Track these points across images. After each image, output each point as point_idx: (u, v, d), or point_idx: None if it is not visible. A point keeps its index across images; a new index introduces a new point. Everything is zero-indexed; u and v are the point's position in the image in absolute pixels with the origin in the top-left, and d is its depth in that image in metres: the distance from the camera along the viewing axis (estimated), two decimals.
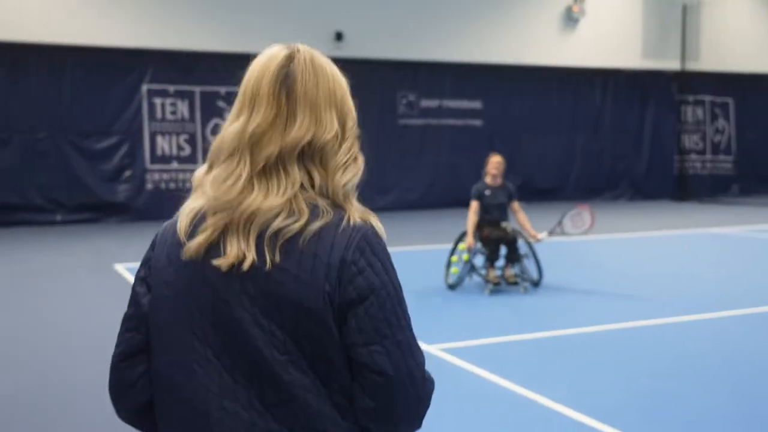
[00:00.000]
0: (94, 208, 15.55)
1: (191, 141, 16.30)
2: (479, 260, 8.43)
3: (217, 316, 1.38)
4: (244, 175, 1.38)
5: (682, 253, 11.24)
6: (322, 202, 1.40)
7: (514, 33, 18.74)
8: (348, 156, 1.45)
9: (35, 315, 7.35)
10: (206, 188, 1.41)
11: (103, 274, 9.34)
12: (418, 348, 1.44)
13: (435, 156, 18.27)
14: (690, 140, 21.20)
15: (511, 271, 8.24)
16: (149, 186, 16.01)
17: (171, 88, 16.11)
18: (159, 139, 16.08)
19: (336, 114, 1.45)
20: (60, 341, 6.39)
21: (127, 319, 1.49)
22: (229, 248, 1.36)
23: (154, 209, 15.81)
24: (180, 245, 1.41)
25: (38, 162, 15.09)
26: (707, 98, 21.32)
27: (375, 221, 1.45)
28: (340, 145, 1.44)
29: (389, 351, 1.38)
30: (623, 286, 8.49)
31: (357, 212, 1.43)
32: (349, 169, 1.45)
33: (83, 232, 14.04)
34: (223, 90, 16.33)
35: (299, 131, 1.39)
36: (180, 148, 16.23)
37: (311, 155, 1.41)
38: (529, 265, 8.26)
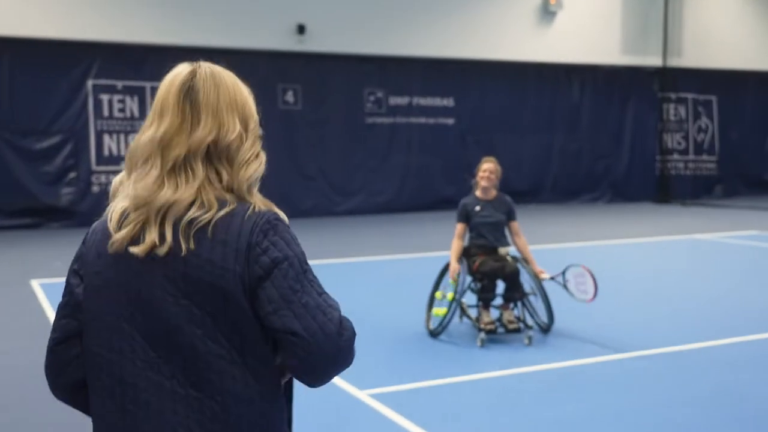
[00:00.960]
0: (35, 213, 14.43)
1: None
2: (469, 297, 6.52)
3: (142, 300, 1.58)
4: (155, 174, 1.59)
5: (664, 265, 10.32)
6: (229, 197, 1.60)
7: (488, 27, 17.78)
8: (250, 153, 1.64)
9: None
10: (128, 190, 1.62)
11: (15, 292, 8.27)
12: (329, 305, 1.59)
13: (404, 156, 17.28)
14: (672, 139, 20.36)
15: (512, 314, 6.27)
16: (95, 189, 14.89)
17: (119, 84, 15.00)
18: (106, 139, 14.97)
19: (238, 117, 1.65)
20: None
21: (62, 307, 1.68)
22: (147, 237, 1.57)
23: (101, 214, 14.57)
24: (108, 240, 1.61)
25: None
26: (690, 96, 20.46)
27: (276, 209, 1.64)
28: (241, 144, 1.63)
29: (297, 313, 1.55)
30: (595, 309, 7.53)
31: (260, 202, 1.63)
32: (252, 164, 1.64)
33: (20, 239, 12.93)
34: None
35: (202, 132, 1.61)
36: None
37: (218, 154, 1.62)
38: (536, 304, 6.40)
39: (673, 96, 20.13)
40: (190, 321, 1.56)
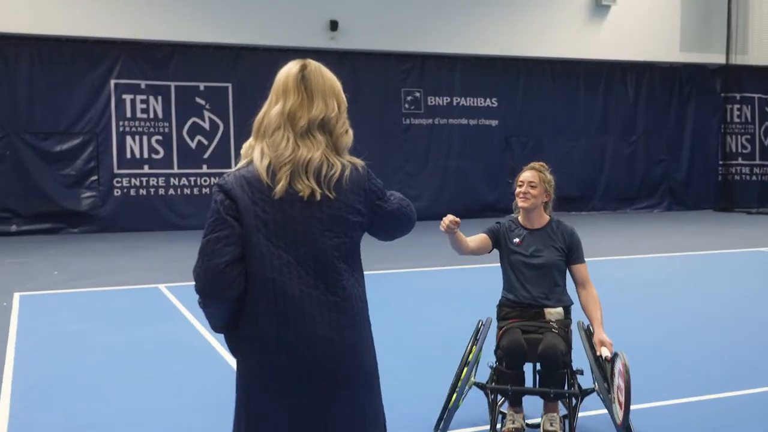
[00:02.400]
0: (55, 218, 13.87)
1: (165, 142, 14.51)
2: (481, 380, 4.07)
3: (297, 233, 2.18)
4: (292, 139, 2.20)
5: (727, 282, 9.08)
6: (342, 159, 2.24)
7: (535, 22, 16.65)
8: (343, 128, 2.26)
9: None
10: (267, 151, 2.21)
11: None
12: (401, 199, 2.41)
13: (444, 160, 16.31)
14: (736, 143, 18.90)
15: (557, 421, 3.83)
16: (117, 193, 14.26)
17: (143, 84, 14.37)
18: (128, 141, 14.34)
19: (335, 100, 2.26)
20: None
21: (224, 238, 2.17)
22: (299, 186, 2.17)
23: (123, 219, 14.13)
24: (262, 190, 2.18)
25: None
26: (756, 96, 18.98)
27: (361, 161, 2.29)
28: (339, 121, 2.25)
29: (393, 218, 2.37)
30: (651, 339, 6.39)
31: (355, 161, 2.27)
32: (344, 136, 2.26)
33: (34, 245, 12.34)
34: (202, 86, 14.56)
35: (317, 110, 2.22)
36: (152, 150, 14.45)
37: (322, 126, 2.23)
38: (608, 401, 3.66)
39: (737, 96, 18.76)
40: (331, 247, 2.19)
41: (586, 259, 4.17)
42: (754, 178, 19.07)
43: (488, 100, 16.66)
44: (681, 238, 13.15)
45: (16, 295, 7.82)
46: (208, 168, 14.70)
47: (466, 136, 16.47)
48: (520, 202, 4.11)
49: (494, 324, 4.07)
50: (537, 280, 4.01)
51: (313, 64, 2.27)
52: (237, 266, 2.16)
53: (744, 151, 19.03)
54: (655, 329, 6.47)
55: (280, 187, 2.15)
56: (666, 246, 11.84)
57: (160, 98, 14.46)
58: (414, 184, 16.02)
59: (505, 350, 3.80)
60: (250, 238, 2.16)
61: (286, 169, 2.15)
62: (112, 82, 14.19)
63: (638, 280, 9.12)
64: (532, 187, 4.09)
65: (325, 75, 2.26)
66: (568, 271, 4.10)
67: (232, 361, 5.66)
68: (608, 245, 11.79)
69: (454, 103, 16.43)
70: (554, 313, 3.96)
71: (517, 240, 4.08)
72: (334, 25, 15.00)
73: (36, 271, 9.62)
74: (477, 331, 4.05)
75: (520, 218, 4.19)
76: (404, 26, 15.57)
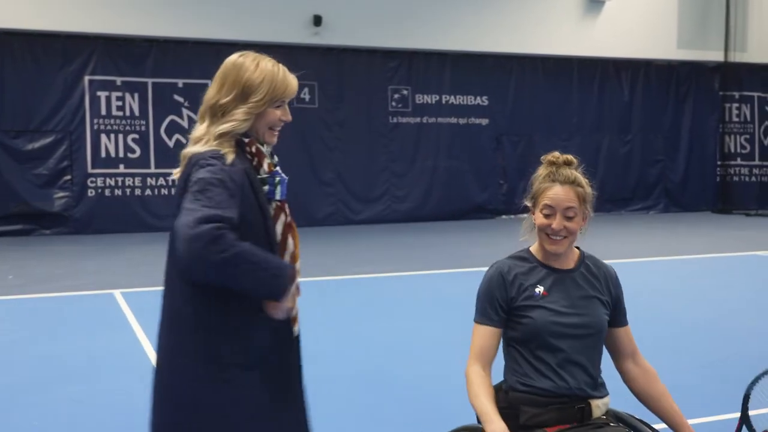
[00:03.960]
0: (26, 219, 13.34)
1: (142, 141, 13.96)
2: None
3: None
4: (198, 121, 2.23)
5: (725, 287, 8.56)
6: (212, 142, 2.12)
7: (527, 18, 16.12)
8: (237, 116, 2.14)
9: None
10: None
11: None
12: (197, 215, 1.90)
13: (432, 160, 15.77)
14: (735, 143, 18.38)
15: None
16: (91, 193, 13.73)
17: (118, 80, 13.83)
18: (103, 139, 13.80)
19: (237, 89, 2.16)
20: None
21: None
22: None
23: (97, 220, 13.61)
24: None
25: None
26: (755, 94, 18.46)
27: (225, 149, 2.10)
28: (235, 108, 2.15)
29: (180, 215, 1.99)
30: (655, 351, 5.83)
31: (220, 146, 2.11)
32: (230, 123, 2.14)
33: (5, 246, 11.83)
34: (180, 82, 14.03)
35: (210, 94, 2.20)
36: (128, 149, 13.92)
37: (213, 111, 2.17)
38: None
39: (736, 94, 18.26)
40: (171, 239, 2.09)
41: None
42: (753, 179, 18.55)
43: (478, 98, 16.14)
44: (677, 240, 12.65)
45: None
46: None
47: (456, 136, 15.95)
48: (548, 245, 2.47)
49: None
50: (580, 354, 2.42)
51: (236, 55, 2.24)
52: None
53: (743, 152, 18.52)
54: (642, 340, 5.92)
55: (177, 170, 2.20)
56: (661, 249, 11.33)
57: (136, 95, 13.93)
58: (401, 185, 15.51)
59: None
60: None
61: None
62: (87, 78, 13.66)
63: (631, 285, 8.56)
64: (568, 218, 2.45)
65: (238, 64, 2.19)
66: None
67: None
68: (602, 248, 11.24)
69: (443, 102, 15.91)
70: (602, 405, 2.47)
71: (541, 289, 2.45)
72: (317, 20, 14.47)
73: None
74: None
75: (534, 250, 2.55)
76: (391, 21, 15.04)
